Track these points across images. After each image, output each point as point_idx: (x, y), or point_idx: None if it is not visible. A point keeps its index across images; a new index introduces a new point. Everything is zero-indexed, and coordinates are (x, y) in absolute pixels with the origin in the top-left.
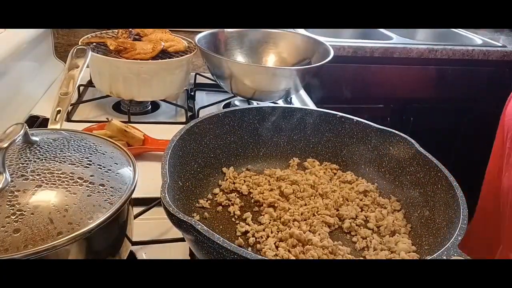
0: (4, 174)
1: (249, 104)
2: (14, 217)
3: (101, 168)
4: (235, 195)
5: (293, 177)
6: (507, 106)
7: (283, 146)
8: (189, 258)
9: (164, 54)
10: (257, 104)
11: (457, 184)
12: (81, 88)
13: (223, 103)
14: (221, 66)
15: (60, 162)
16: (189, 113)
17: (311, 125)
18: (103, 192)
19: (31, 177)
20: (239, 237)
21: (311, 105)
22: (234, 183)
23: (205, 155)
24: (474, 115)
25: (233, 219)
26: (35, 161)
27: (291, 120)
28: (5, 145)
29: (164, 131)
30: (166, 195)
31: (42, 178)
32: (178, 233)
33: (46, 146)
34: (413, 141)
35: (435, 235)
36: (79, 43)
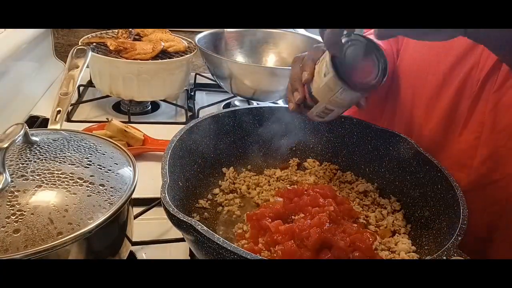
0: (4, 174)
1: (249, 104)
2: (14, 217)
3: (101, 168)
4: (235, 195)
5: (293, 177)
6: None
7: (283, 146)
8: (189, 258)
9: (164, 54)
10: (257, 104)
11: (457, 184)
12: (81, 88)
13: (223, 103)
14: (221, 66)
15: (60, 162)
16: (189, 113)
17: (311, 125)
18: (103, 192)
19: (31, 177)
20: (238, 238)
21: None
22: (234, 183)
23: (205, 155)
24: None
25: (233, 219)
26: (35, 161)
27: (291, 120)
28: (5, 145)
29: (164, 131)
30: (166, 195)
31: (42, 179)
32: (178, 233)
33: (46, 146)
34: (413, 141)
35: (435, 235)
36: (79, 43)
